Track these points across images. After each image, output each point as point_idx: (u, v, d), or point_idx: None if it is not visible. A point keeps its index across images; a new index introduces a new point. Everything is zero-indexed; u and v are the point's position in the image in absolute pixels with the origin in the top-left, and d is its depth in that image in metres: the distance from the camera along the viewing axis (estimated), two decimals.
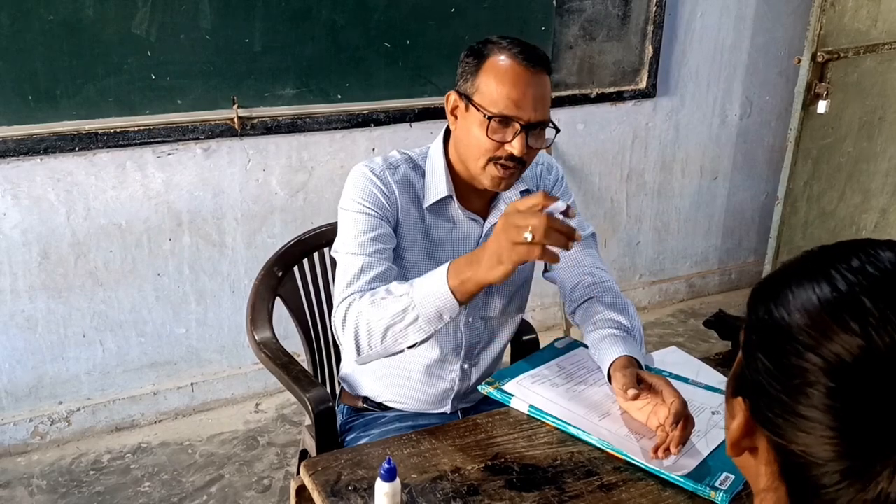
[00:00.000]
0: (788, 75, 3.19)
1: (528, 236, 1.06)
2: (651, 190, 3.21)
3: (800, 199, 3.17)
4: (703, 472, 1.08)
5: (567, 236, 1.08)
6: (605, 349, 1.33)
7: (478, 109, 1.30)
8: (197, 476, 2.28)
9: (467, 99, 1.33)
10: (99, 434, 2.45)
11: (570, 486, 1.06)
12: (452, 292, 1.16)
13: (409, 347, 1.24)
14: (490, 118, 1.29)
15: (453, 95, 1.37)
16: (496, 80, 1.29)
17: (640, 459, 1.09)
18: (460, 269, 1.16)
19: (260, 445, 2.43)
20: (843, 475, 0.54)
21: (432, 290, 1.17)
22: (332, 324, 1.32)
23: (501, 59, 1.30)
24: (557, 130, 1.37)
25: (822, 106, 2.93)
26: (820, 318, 0.56)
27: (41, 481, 2.24)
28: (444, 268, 1.18)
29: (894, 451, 0.51)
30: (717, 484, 1.05)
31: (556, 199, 1.08)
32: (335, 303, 1.31)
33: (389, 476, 0.93)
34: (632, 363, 1.28)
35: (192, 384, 2.55)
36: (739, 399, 0.64)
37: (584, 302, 1.49)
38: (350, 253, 1.34)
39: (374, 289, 1.29)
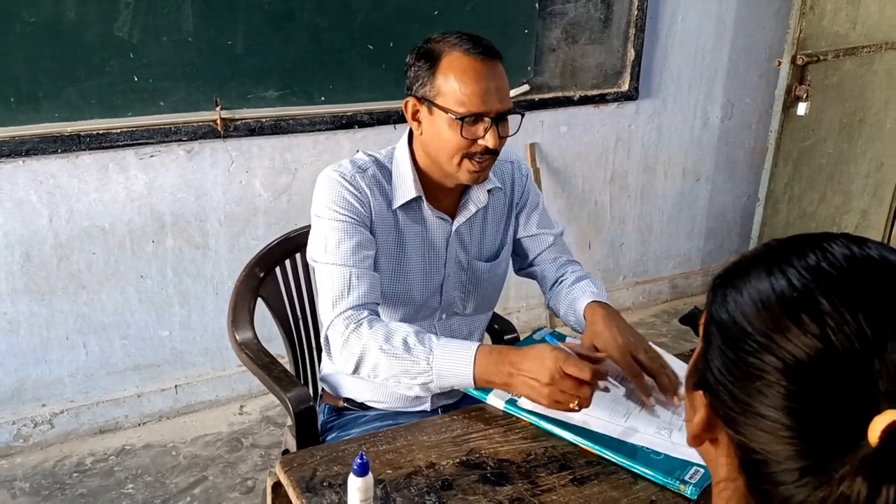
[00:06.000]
0: (769, 78, 3.22)
1: (575, 408, 1.15)
2: (634, 191, 3.23)
3: (781, 201, 3.20)
4: (673, 465, 1.09)
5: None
6: (579, 302, 1.46)
7: (446, 112, 1.32)
8: (181, 478, 2.28)
9: (429, 103, 1.35)
10: (82, 437, 2.44)
11: (543, 480, 1.08)
12: (474, 380, 1.21)
13: None
14: (462, 119, 1.31)
15: (412, 101, 1.38)
16: (458, 80, 1.31)
17: (613, 438, 1.13)
18: (487, 370, 1.20)
19: (244, 447, 2.43)
20: (801, 473, 0.54)
21: (455, 372, 1.22)
22: (326, 335, 1.33)
23: (456, 58, 1.32)
24: (522, 115, 1.40)
25: (801, 108, 2.96)
26: (778, 317, 0.56)
27: (24, 484, 2.24)
28: (470, 354, 1.21)
29: (850, 451, 0.51)
30: (686, 477, 1.06)
31: (604, 375, 1.20)
32: (328, 315, 1.33)
33: (362, 471, 0.94)
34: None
35: (175, 386, 2.55)
36: (700, 393, 0.64)
37: (558, 285, 1.58)
38: (333, 263, 1.35)
39: (369, 306, 1.33)
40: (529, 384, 1.16)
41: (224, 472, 2.31)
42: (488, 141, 1.33)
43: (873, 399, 0.51)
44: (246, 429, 2.52)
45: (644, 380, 1.26)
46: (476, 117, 1.32)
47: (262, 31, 2.29)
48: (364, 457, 0.94)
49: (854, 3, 3.07)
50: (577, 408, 1.14)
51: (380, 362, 1.25)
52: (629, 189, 3.22)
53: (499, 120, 1.34)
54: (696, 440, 0.65)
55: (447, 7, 2.52)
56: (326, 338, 1.33)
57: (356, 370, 1.29)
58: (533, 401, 1.18)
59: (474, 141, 1.33)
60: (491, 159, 1.38)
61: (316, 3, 2.33)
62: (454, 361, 1.22)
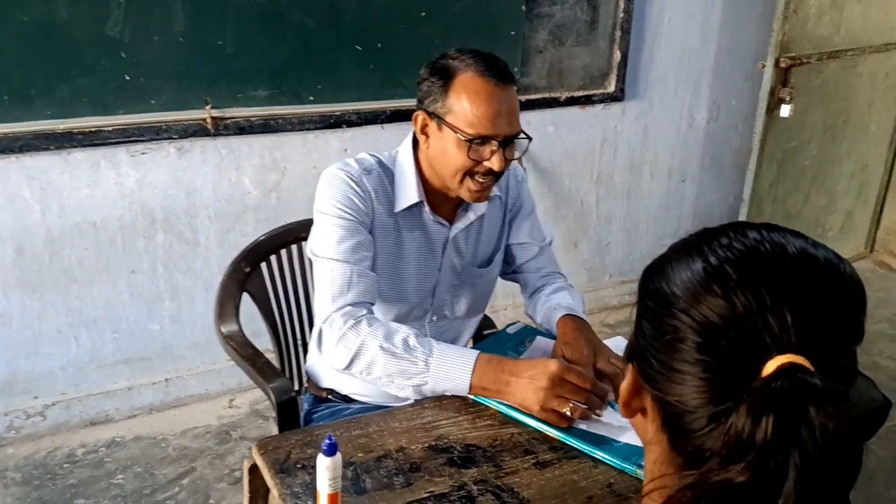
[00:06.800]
0: (754, 79, 3.26)
1: (568, 413, 1.18)
2: (620, 191, 3.28)
3: (765, 201, 3.25)
4: (631, 451, 1.14)
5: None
6: (554, 314, 1.51)
7: (454, 131, 1.34)
8: (169, 469, 2.32)
9: (439, 119, 1.36)
10: (73, 428, 2.48)
11: (507, 464, 1.12)
12: (470, 386, 1.25)
13: None
14: (471, 140, 1.33)
15: (422, 115, 1.40)
16: (469, 101, 1.32)
17: (576, 431, 1.17)
18: (485, 378, 1.24)
19: (232, 439, 2.47)
20: (709, 420, 0.62)
21: (452, 376, 1.25)
22: (320, 329, 1.34)
23: (470, 78, 1.33)
24: (530, 139, 1.41)
25: (785, 110, 3.01)
26: (692, 285, 0.64)
27: (15, 474, 2.28)
28: (470, 361, 1.25)
29: (744, 393, 0.59)
30: (643, 462, 1.11)
31: (605, 391, 1.24)
32: (325, 310, 1.34)
33: (330, 451, 0.98)
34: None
35: (166, 380, 2.59)
36: (630, 364, 0.71)
37: (537, 294, 1.62)
38: (334, 259, 1.37)
39: (366, 305, 1.35)
40: (524, 389, 1.20)
41: (212, 463, 2.35)
42: (493, 164, 1.35)
43: (766, 349, 0.59)
44: (235, 422, 2.57)
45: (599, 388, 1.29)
46: (484, 139, 1.34)
47: (251, 32, 2.33)
48: (332, 438, 0.99)
49: (838, 7, 3.11)
50: (568, 413, 1.18)
51: (376, 360, 1.27)
52: (615, 189, 3.26)
53: (506, 143, 1.36)
54: (626, 408, 0.72)
55: (435, 8, 2.56)
56: (320, 332, 1.34)
57: (349, 366, 1.31)
58: (525, 409, 1.21)
59: (480, 162, 1.36)
60: (493, 179, 1.40)
61: (305, 4, 2.37)
62: (454, 366, 1.25)
